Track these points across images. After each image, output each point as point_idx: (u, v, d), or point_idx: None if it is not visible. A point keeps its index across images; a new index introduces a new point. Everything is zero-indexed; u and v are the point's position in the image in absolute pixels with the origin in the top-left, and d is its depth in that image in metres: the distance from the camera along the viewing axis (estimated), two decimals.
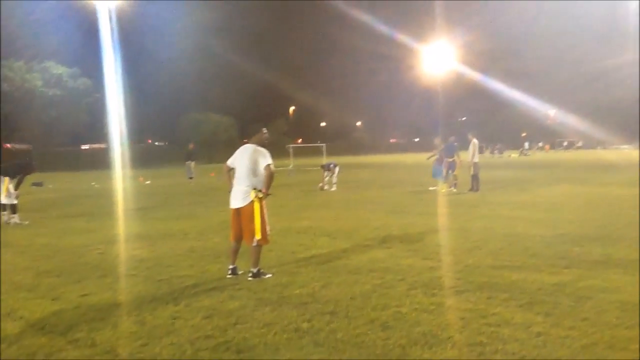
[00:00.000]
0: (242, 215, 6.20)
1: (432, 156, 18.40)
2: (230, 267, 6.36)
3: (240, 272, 6.36)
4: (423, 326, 4.39)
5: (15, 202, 11.64)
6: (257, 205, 6.11)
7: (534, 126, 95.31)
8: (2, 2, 48.52)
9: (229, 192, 6.37)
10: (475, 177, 16.36)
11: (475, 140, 16.50)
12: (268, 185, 6.15)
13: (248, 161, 6.19)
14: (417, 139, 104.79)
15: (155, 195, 19.18)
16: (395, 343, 4.05)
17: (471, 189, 16.23)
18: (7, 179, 11.44)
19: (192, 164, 24.70)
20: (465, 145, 16.71)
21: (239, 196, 6.21)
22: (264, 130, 6.54)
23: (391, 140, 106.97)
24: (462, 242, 8.05)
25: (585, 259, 6.72)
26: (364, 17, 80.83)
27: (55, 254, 8.10)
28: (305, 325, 4.50)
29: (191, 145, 26.53)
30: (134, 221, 11.96)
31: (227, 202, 6.39)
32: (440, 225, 10.02)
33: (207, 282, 6.11)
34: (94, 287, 6.05)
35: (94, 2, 47.25)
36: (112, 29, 47.73)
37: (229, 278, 6.22)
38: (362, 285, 5.75)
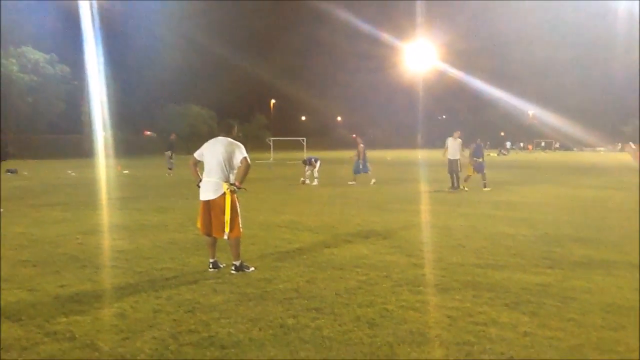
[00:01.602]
0: (212, 208, 6.07)
1: (354, 156, 19.61)
2: (211, 261, 6.26)
3: (222, 266, 6.26)
4: (410, 324, 4.35)
5: None
6: (228, 198, 6.00)
7: (512, 126, 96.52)
8: None
9: (197, 185, 6.26)
10: (456, 175, 16.45)
11: (459, 139, 16.62)
12: (243, 178, 6.06)
13: (223, 153, 6.03)
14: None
15: (134, 186, 18.88)
16: (383, 341, 4.00)
17: (452, 187, 16.34)
18: None
19: (172, 154, 24.43)
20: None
21: (210, 188, 6.07)
22: (235, 126, 6.51)
23: None
24: (445, 240, 8.05)
25: (567, 259, 6.76)
26: (347, 16, 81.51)
27: (31, 244, 7.89)
28: (290, 321, 4.43)
29: (172, 136, 26.20)
30: (112, 211, 11.75)
31: None
32: (423, 222, 10.02)
33: (188, 275, 6.00)
34: (72, 278, 5.89)
35: None
36: (93, 16, 46.88)
37: (210, 271, 6.12)
38: (346, 281, 5.69)
